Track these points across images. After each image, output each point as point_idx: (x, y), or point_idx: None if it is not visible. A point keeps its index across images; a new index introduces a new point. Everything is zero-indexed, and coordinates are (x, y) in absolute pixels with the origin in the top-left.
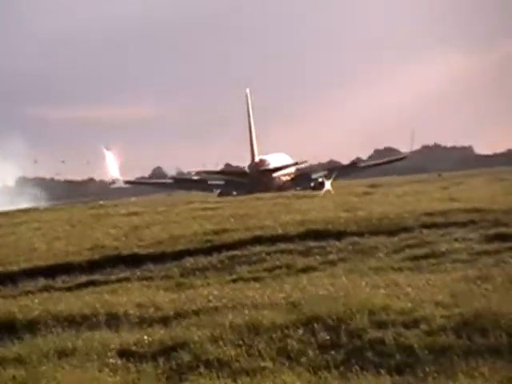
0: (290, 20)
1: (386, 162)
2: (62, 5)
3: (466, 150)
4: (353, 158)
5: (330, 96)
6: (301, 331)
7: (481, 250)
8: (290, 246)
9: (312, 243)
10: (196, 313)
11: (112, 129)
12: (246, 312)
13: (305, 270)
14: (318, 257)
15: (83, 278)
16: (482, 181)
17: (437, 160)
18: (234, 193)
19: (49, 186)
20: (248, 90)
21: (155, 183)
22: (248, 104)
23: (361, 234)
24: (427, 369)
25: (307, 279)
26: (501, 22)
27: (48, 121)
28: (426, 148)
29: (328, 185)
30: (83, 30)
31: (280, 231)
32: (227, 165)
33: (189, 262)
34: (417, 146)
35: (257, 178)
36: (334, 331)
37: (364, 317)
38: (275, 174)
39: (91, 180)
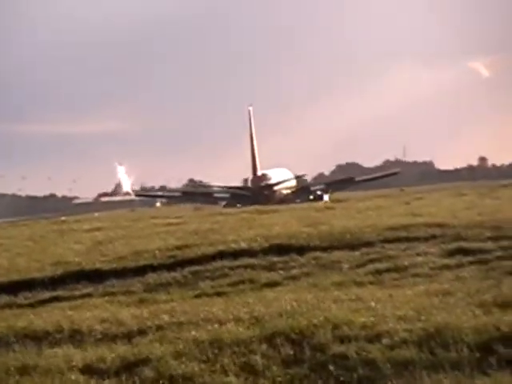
0: (251, 31)
1: (379, 177)
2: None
3: (427, 165)
4: (315, 173)
5: (291, 111)
6: (264, 346)
7: (442, 264)
8: (254, 261)
9: (275, 258)
10: (159, 328)
11: (73, 144)
12: (210, 327)
13: (268, 284)
14: (281, 271)
15: (46, 294)
16: (443, 195)
17: (399, 175)
18: (239, 205)
19: (10, 201)
20: (251, 108)
21: (164, 196)
22: (250, 121)
23: (323, 249)
24: (389, 383)
25: (271, 294)
26: (463, 38)
27: (10, 136)
28: (387, 163)
29: (326, 197)
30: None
31: (243, 246)
32: (191, 180)
33: (152, 277)
34: (378, 162)
35: (259, 192)
36: (297, 346)
37: (327, 331)
38: (276, 188)
39: (53, 196)
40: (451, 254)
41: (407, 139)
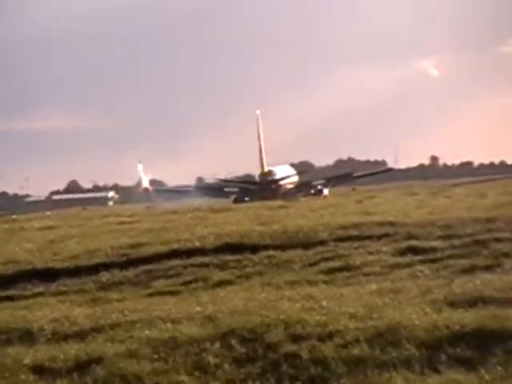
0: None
1: (374, 173)
2: None
3: (380, 164)
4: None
5: (244, 109)
6: (217, 345)
7: (394, 262)
8: (207, 260)
9: (228, 257)
10: (112, 327)
11: (25, 141)
12: (163, 326)
13: (221, 283)
14: (234, 270)
15: None
16: (395, 194)
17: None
18: (247, 199)
19: None
20: (259, 112)
21: (179, 191)
22: (258, 123)
23: (276, 248)
24: (342, 381)
25: (223, 293)
26: (413, 40)
27: None
28: (340, 162)
29: (326, 191)
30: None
31: (196, 245)
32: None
33: (105, 276)
34: (330, 161)
35: (266, 186)
36: (250, 345)
37: (280, 330)
38: (281, 183)
39: (3, 194)
40: (403, 252)
41: (360, 139)
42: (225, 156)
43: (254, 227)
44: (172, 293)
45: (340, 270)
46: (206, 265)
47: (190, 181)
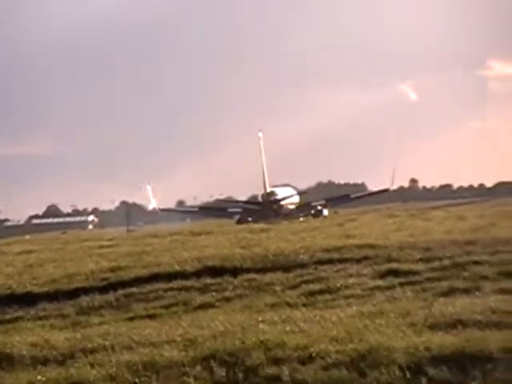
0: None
1: (371, 194)
2: None
3: (359, 187)
4: (249, 194)
5: (226, 130)
6: (198, 368)
7: (374, 285)
8: (187, 283)
9: (209, 280)
10: (92, 351)
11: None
12: (143, 350)
13: (202, 306)
14: (214, 293)
15: None
16: (375, 217)
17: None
18: (250, 219)
19: None
20: (261, 134)
21: (184, 211)
22: (260, 146)
23: (257, 271)
24: None
25: (204, 316)
26: (393, 63)
27: None
28: (320, 185)
29: (326, 212)
30: None
31: (177, 268)
32: (123, 202)
33: (84, 300)
34: (310, 184)
35: (268, 206)
36: (230, 368)
37: (260, 353)
38: (282, 203)
39: None
40: (383, 275)
41: (339, 162)
42: (205, 179)
43: (234, 250)
44: (152, 316)
45: (320, 292)
46: (187, 288)
47: (170, 204)
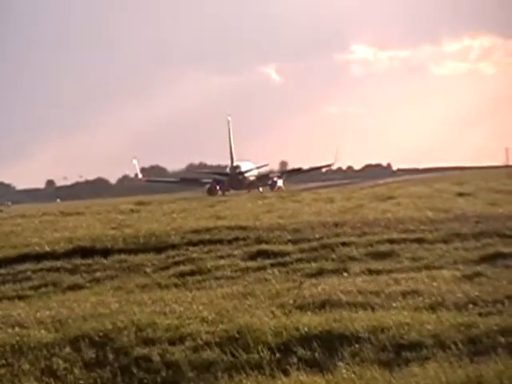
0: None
1: (319, 168)
2: None
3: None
4: (120, 175)
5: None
6: (67, 349)
7: (244, 266)
8: (57, 264)
9: (79, 261)
10: None
11: None
12: (11, 331)
13: (72, 287)
14: (84, 274)
15: None
16: (245, 199)
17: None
18: (218, 188)
19: None
20: (230, 118)
21: (166, 181)
22: (229, 127)
23: (128, 252)
24: None
25: (74, 297)
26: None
27: None
28: (191, 166)
29: (280, 182)
30: None
31: (46, 249)
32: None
33: None
34: (182, 165)
35: (235, 178)
36: (100, 349)
37: (131, 334)
38: (246, 175)
39: None
40: (253, 256)
41: (210, 144)
42: (74, 158)
43: (106, 231)
44: (21, 297)
45: (191, 273)
46: (57, 269)
47: (40, 184)
